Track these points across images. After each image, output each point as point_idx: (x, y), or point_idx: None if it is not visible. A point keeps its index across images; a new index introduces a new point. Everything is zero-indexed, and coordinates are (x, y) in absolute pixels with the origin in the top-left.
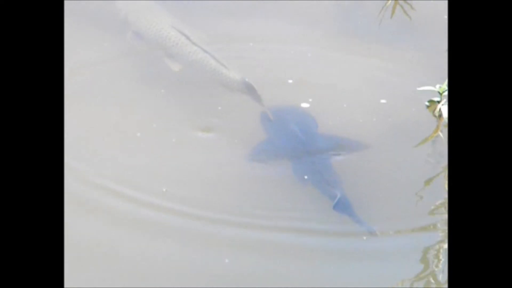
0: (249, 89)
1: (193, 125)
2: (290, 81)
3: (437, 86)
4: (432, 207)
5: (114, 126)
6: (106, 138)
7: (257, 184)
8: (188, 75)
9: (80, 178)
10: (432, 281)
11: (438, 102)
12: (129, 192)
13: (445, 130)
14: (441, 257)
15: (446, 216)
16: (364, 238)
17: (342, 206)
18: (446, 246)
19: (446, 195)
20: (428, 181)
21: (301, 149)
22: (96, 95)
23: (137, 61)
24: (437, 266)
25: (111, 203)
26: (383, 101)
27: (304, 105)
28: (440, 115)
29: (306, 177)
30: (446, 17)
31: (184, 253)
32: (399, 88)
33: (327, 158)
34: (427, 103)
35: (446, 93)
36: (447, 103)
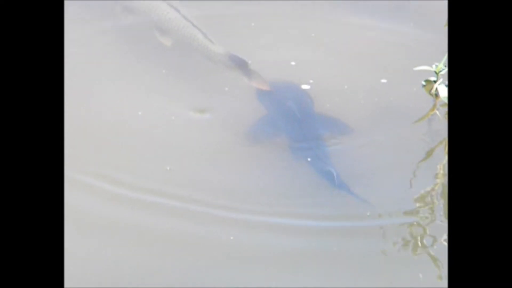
0: (239, 64)
1: (190, 106)
2: (293, 63)
3: (434, 65)
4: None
5: (111, 103)
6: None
7: (254, 166)
8: (184, 52)
9: (81, 158)
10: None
11: (435, 81)
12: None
13: (442, 108)
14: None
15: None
16: (368, 214)
17: (341, 183)
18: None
19: (441, 170)
20: (424, 158)
21: (297, 127)
22: (89, 72)
23: (128, 36)
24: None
25: (111, 182)
26: (383, 80)
27: (305, 86)
28: (437, 94)
29: (309, 159)
30: None
31: (184, 231)
32: (400, 67)
33: (322, 137)
34: (423, 83)
35: (442, 72)
36: (443, 82)
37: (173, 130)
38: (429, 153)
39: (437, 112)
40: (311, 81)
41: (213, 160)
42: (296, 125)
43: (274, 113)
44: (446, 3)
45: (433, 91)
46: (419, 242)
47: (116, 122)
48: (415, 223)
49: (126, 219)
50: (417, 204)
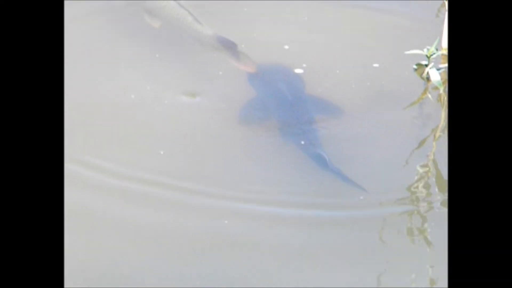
0: (228, 46)
1: (182, 90)
2: (286, 46)
3: (425, 49)
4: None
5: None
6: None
7: (248, 152)
8: (175, 35)
9: (71, 144)
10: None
11: (426, 65)
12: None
13: (433, 92)
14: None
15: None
16: (361, 197)
17: (333, 167)
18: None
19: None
20: (419, 144)
21: (289, 110)
22: (78, 55)
23: (118, 18)
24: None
25: (105, 168)
26: (375, 65)
27: (298, 70)
28: (428, 78)
29: (302, 142)
30: None
31: (175, 220)
32: (393, 51)
33: (313, 120)
34: (414, 67)
35: (433, 56)
36: (434, 66)
37: (166, 114)
38: (422, 142)
39: (429, 95)
40: (304, 65)
41: (206, 145)
42: (288, 108)
43: (265, 96)
44: None
45: (424, 75)
46: (414, 229)
47: (108, 106)
48: (408, 208)
49: (119, 205)
50: (411, 189)
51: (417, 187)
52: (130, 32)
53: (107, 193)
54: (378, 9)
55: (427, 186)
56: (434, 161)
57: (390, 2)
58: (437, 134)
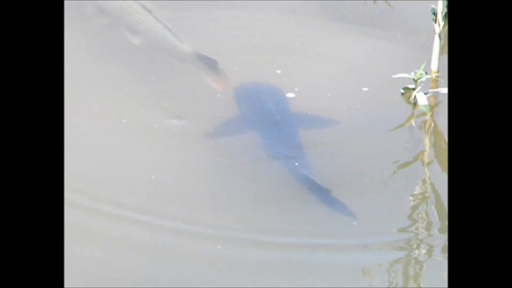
0: (208, 64)
1: (167, 113)
2: (278, 71)
3: (412, 73)
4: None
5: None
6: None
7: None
8: (164, 58)
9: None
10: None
11: (413, 89)
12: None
13: (419, 118)
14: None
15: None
16: (355, 224)
17: (322, 191)
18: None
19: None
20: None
21: (276, 130)
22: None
23: (102, 38)
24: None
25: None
26: (365, 89)
27: (290, 94)
28: (415, 103)
29: (296, 164)
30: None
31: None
32: (382, 76)
33: (300, 142)
34: (402, 91)
35: (422, 79)
36: (422, 90)
37: (156, 138)
38: (404, 165)
39: (413, 122)
40: (296, 89)
41: (191, 174)
42: (275, 128)
43: (252, 115)
44: (429, 12)
45: (411, 99)
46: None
47: (98, 130)
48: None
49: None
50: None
51: (411, 217)
52: (111, 51)
53: (92, 225)
54: (369, 33)
55: (423, 212)
56: (426, 184)
57: (381, 26)
58: (425, 159)
